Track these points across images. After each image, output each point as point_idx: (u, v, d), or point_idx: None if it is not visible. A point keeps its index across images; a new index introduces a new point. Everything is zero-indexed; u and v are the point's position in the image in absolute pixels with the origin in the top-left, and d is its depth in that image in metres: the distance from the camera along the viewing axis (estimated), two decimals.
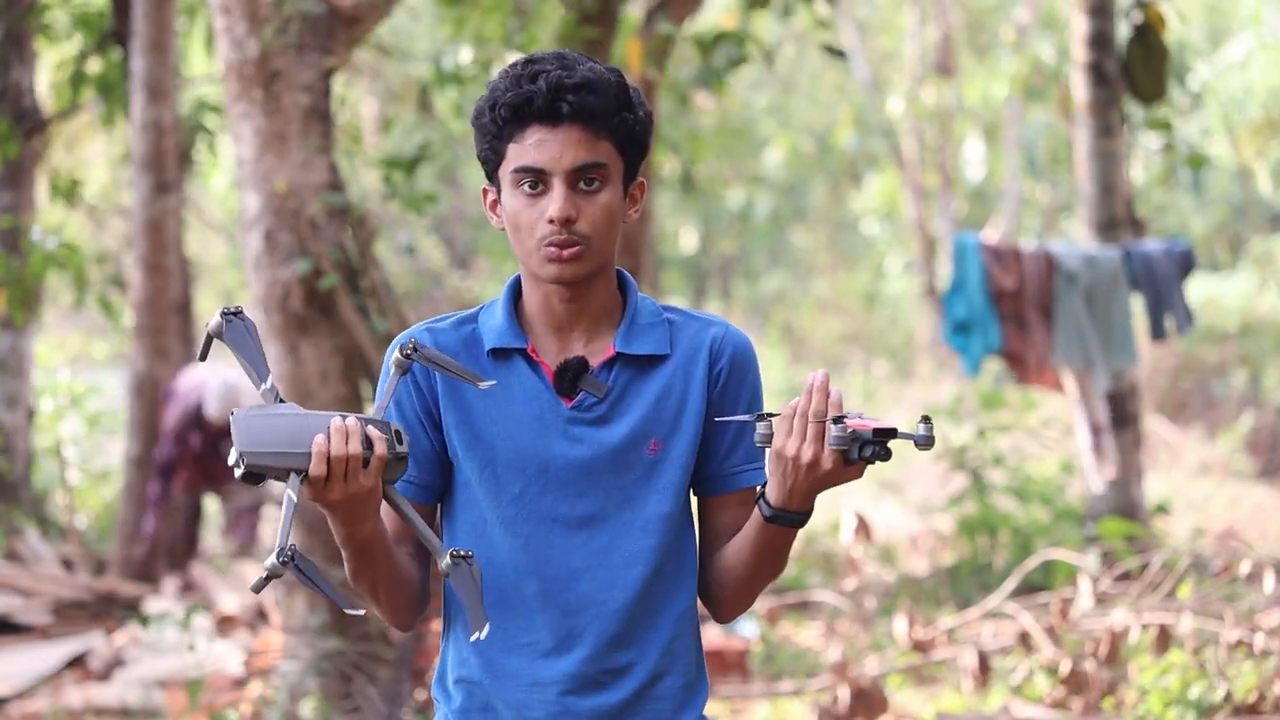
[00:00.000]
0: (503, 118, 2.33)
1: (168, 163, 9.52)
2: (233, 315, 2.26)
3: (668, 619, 2.41)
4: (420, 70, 12.74)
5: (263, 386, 2.24)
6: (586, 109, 2.31)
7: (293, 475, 2.18)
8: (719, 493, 2.45)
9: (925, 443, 2.21)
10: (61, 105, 10.75)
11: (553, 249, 2.33)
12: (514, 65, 2.37)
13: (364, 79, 16.21)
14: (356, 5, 5.63)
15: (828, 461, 2.22)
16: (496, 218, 2.42)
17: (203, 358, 2.33)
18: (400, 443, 2.24)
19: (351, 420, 2.21)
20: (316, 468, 2.18)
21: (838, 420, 2.21)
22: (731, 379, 2.42)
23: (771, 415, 2.28)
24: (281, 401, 2.24)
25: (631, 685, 2.39)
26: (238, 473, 2.18)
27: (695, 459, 2.42)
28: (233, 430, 2.17)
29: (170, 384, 9.56)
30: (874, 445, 2.20)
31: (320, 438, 2.18)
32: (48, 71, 11.89)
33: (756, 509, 2.33)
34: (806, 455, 2.23)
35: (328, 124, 5.59)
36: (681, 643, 2.42)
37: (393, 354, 2.31)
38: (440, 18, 9.00)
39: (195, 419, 9.39)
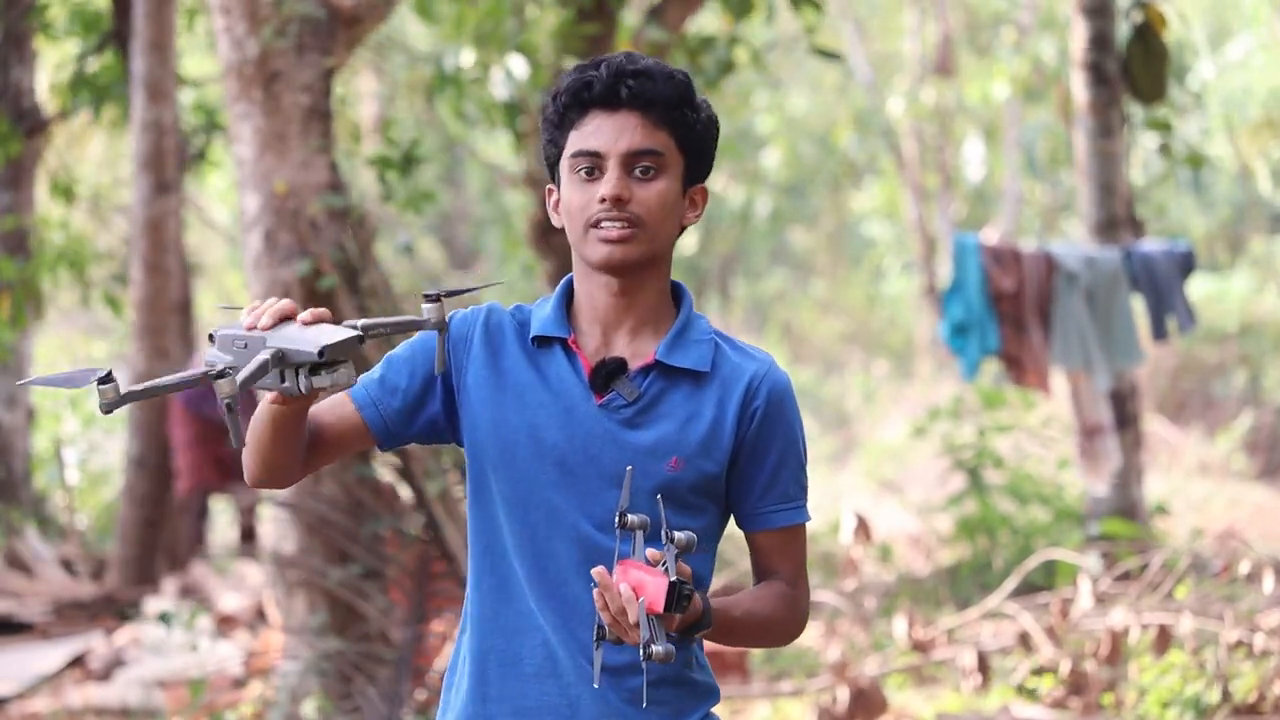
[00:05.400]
0: (564, 104, 2.36)
1: (168, 163, 9.52)
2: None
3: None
4: (424, 66, 12.72)
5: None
6: (645, 95, 2.33)
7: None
8: (754, 529, 2.44)
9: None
10: (61, 105, 10.75)
11: (603, 228, 2.32)
12: (582, 62, 2.42)
13: (364, 79, 16.21)
14: (356, 5, 5.63)
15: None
16: (557, 216, 2.41)
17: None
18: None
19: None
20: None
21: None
22: (765, 421, 2.39)
23: None
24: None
25: (633, 686, 2.36)
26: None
27: (723, 491, 2.40)
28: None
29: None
30: (674, 601, 2.14)
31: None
32: (48, 71, 11.89)
33: None
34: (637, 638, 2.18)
35: (328, 124, 5.59)
36: (684, 654, 2.39)
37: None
38: (438, 17, 8.95)
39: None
